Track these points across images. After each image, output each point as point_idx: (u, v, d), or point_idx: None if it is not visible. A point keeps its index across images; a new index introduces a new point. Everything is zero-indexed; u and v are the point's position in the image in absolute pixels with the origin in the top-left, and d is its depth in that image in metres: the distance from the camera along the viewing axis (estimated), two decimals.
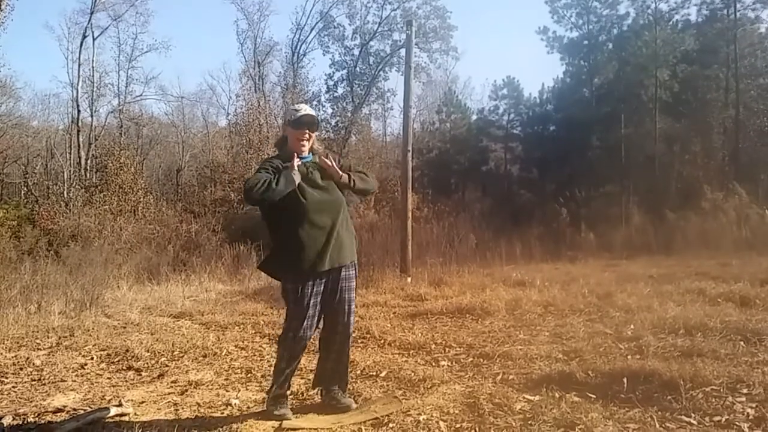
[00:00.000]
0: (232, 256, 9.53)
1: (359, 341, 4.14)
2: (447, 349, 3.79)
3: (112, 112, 21.68)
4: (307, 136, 2.56)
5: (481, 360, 3.47)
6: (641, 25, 15.62)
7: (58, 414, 2.73)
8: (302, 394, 2.92)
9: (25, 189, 19.37)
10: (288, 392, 2.65)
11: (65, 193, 16.21)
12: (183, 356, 3.78)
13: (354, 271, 2.65)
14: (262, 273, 2.89)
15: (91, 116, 20.06)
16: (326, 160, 2.53)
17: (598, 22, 16.93)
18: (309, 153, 2.64)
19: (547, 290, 5.61)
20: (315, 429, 2.42)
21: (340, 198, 2.58)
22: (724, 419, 2.32)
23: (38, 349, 4.09)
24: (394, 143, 21.18)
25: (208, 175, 18.86)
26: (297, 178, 2.42)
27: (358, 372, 3.28)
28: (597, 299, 5.06)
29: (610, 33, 16.64)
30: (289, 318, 2.53)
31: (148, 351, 3.85)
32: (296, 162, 2.46)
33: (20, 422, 2.60)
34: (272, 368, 2.66)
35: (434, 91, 25.87)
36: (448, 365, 3.42)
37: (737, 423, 2.28)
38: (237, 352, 3.92)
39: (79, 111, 19.29)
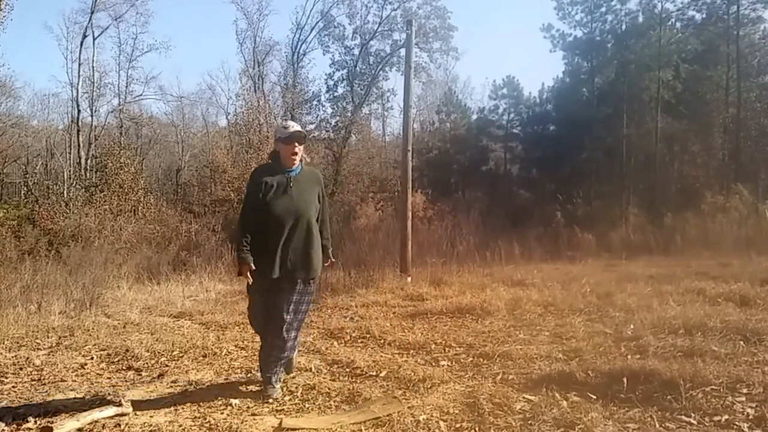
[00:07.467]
0: (233, 255, 9.50)
1: (359, 341, 4.15)
2: (447, 349, 3.80)
3: (112, 111, 21.71)
4: (296, 150, 2.91)
5: (481, 360, 3.47)
6: (647, 24, 15.56)
7: (58, 414, 2.72)
8: (302, 394, 2.92)
9: (25, 189, 19.35)
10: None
11: (65, 192, 16.18)
12: (183, 356, 3.78)
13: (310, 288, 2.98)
14: None
15: (91, 116, 20.08)
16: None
17: (605, 21, 16.83)
18: (299, 164, 2.96)
19: (547, 290, 5.60)
20: (315, 429, 2.42)
21: (305, 211, 2.86)
22: (723, 419, 2.33)
23: (38, 348, 4.09)
24: (394, 143, 21.17)
25: (207, 175, 18.86)
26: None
27: (358, 372, 3.29)
28: (597, 299, 5.06)
29: (616, 32, 16.52)
30: None
31: (148, 351, 3.85)
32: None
33: (20, 422, 2.59)
34: None
35: (434, 91, 25.86)
36: (448, 365, 3.42)
37: (737, 423, 2.29)
38: (237, 352, 3.92)
39: (79, 111, 19.30)
